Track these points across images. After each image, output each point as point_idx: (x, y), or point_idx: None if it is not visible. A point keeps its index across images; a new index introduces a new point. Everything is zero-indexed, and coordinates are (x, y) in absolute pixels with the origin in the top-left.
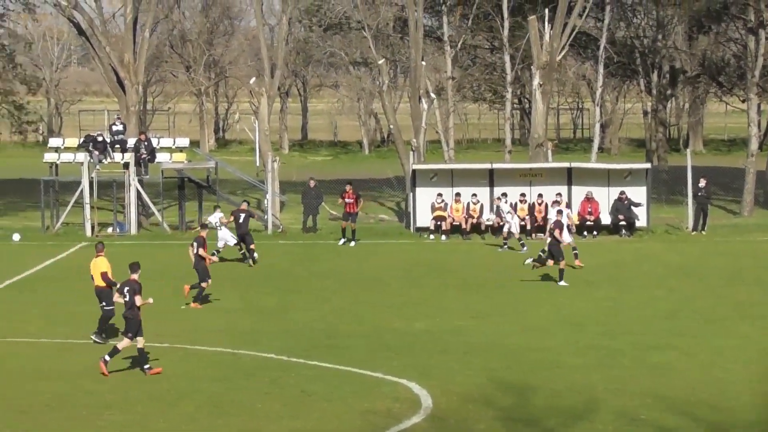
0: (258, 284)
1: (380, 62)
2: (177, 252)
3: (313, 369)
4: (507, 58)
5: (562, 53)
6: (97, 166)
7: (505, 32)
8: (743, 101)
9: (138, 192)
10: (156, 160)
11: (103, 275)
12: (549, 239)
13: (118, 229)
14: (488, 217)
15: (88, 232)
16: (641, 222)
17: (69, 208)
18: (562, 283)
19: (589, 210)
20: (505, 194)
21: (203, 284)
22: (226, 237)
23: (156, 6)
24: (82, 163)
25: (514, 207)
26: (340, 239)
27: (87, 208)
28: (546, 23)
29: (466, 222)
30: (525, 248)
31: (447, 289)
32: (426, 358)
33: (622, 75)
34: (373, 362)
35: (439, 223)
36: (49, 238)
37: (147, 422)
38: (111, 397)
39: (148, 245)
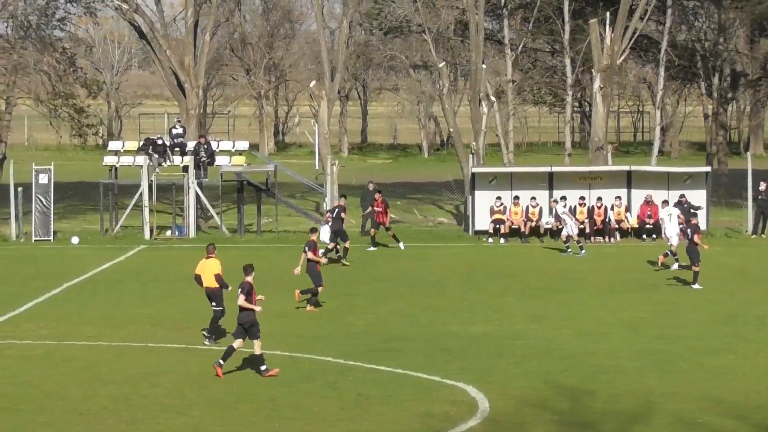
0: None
1: (440, 65)
2: (235, 255)
3: (370, 372)
4: (567, 61)
5: (623, 56)
6: (157, 169)
7: (566, 35)
8: None
9: (197, 195)
10: (215, 164)
11: (217, 277)
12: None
13: (176, 233)
14: (547, 221)
15: (147, 236)
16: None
17: (128, 211)
18: (696, 286)
19: (649, 213)
20: (564, 197)
21: (319, 289)
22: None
23: (217, 9)
24: (141, 167)
25: (573, 210)
26: (369, 246)
27: (146, 211)
28: (607, 26)
29: (525, 225)
30: (583, 251)
31: (505, 293)
32: (483, 362)
33: (682, 78)
34: (431, 365)
35: (497, 226)
36: (108, 241)
37: (204, 425)
38: (168, 400)
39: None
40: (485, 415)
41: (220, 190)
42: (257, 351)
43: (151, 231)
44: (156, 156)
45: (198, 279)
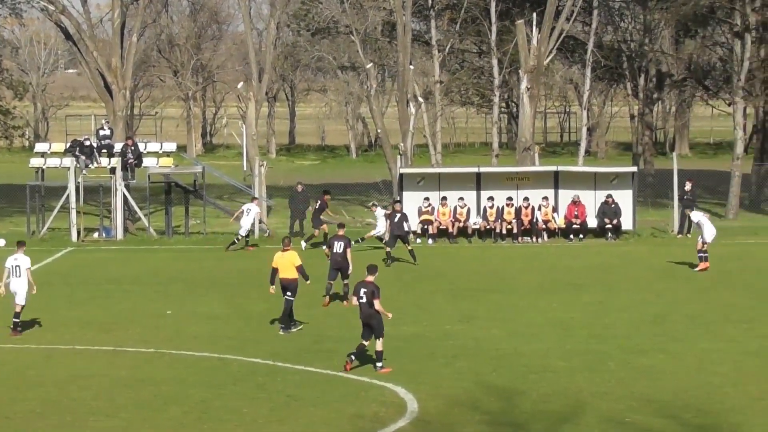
0: (245, 289)
1: (368, 66)
2: (163, 257)
3: (300, 374)
4: (495, 62)
5: (550, 57)
6: (84, 171)
7: (493, 36)
8: (729, 105)
9: (124, 197)
10: (143, 165)
11: (299, 268)
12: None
13: (104, 234)
14: (475, 221)
15: (74, 238)
16: (627, 225)
17: (55, 213)
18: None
19: (576, 213)
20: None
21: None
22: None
23: (144, 10)
24: (68, 168)
25: (501, 210)
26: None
27: (73, 213)
28: (534, 27)
29: (453, 226)
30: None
31: (434, 294)
32: (414, 363)
33: (609, 79)
34: (361, 367)
35: (425, 226)
36: (35, 243)
37: (133, 428)
38: (97, 403)
39: (134, 250)
40: (415, 416)
41: (148, 191)
42: (379, 347)
43: (79, 233)
44: (83, 158)
45: (274, 272)
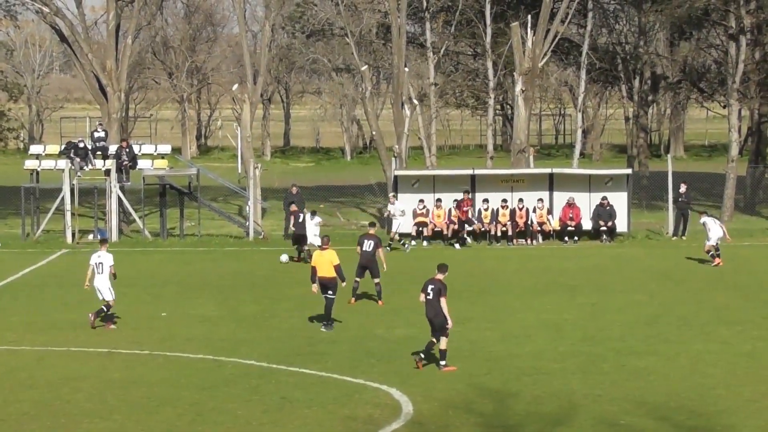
0: (239, 291)
1: (363, 68)
2: (158, 259)
3: (294, 376)
4: (489, 64)
5: (545, 59)
6: (79, 173)
7: (488, 39)
8: (724, 107)
9: (119, 199)
10: (137, 167)
11: (337, 268)
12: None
13: (99, 236)
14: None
15: (69, 239)
16: (622, 227)
17: (50, 215)
18: None
19: (571, 216)
20: (486, 200)
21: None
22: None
23: (138, 13)
24: (63, 170)
25: (496, 212)
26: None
27: (68, 215)
28: (528, 30)
29: (448, 228)
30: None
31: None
32: (407, 365)
33: (603, 81)
34: (355, 369)
35: (420, 229)
36: (30, 245)
37: (126, 430)
38: (90, 405)
39: (128, 252)
40: (409, 418)
41: (143, 193)
42: (443, 346)
43: (73, 235)
44: (78, 160)
45: (314, 271)
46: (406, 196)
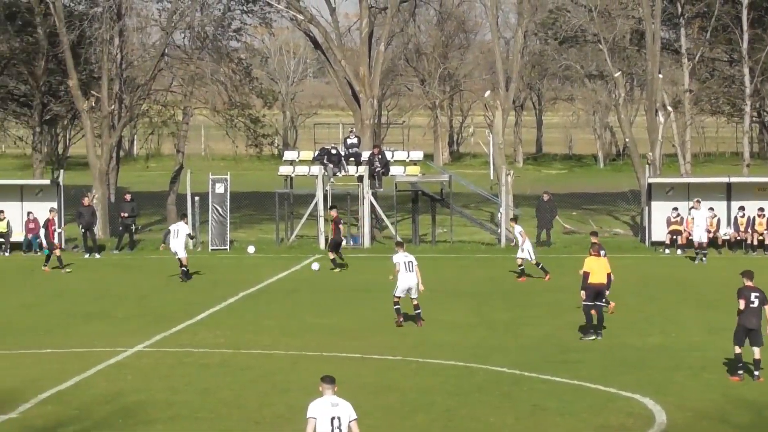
0: (491, 299)
1: (616, 75)
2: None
3: (546, 383)
4: (746, 70)
5: None
6: (332, 179)
7: (744, 44)
8: None
9: (372, 205)
10: (390, 173)
11: (608, 276)
12: None
13: (351, 242)
14: (725, 231)
15: (322, 245)
16: None
17: (303, 220)
18: None
19: None
20: (742, 207)
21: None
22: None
23: (391, 20)
24: (316, 176)
25: (752, 221)
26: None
27: (321, 220)
28: None
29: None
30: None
31: (683, 304)
32: (660, 374)
33: None
34: (607, 377)
35: (674, 237)
36: (284, 250)
37: None
38: None
39: (380, 258)
40: (663, 428)
41: (395, 200)
42: (756, 355)
43: (326, 240)
44: (331, 166)
45: (586, 276)
46: (659, 204)
